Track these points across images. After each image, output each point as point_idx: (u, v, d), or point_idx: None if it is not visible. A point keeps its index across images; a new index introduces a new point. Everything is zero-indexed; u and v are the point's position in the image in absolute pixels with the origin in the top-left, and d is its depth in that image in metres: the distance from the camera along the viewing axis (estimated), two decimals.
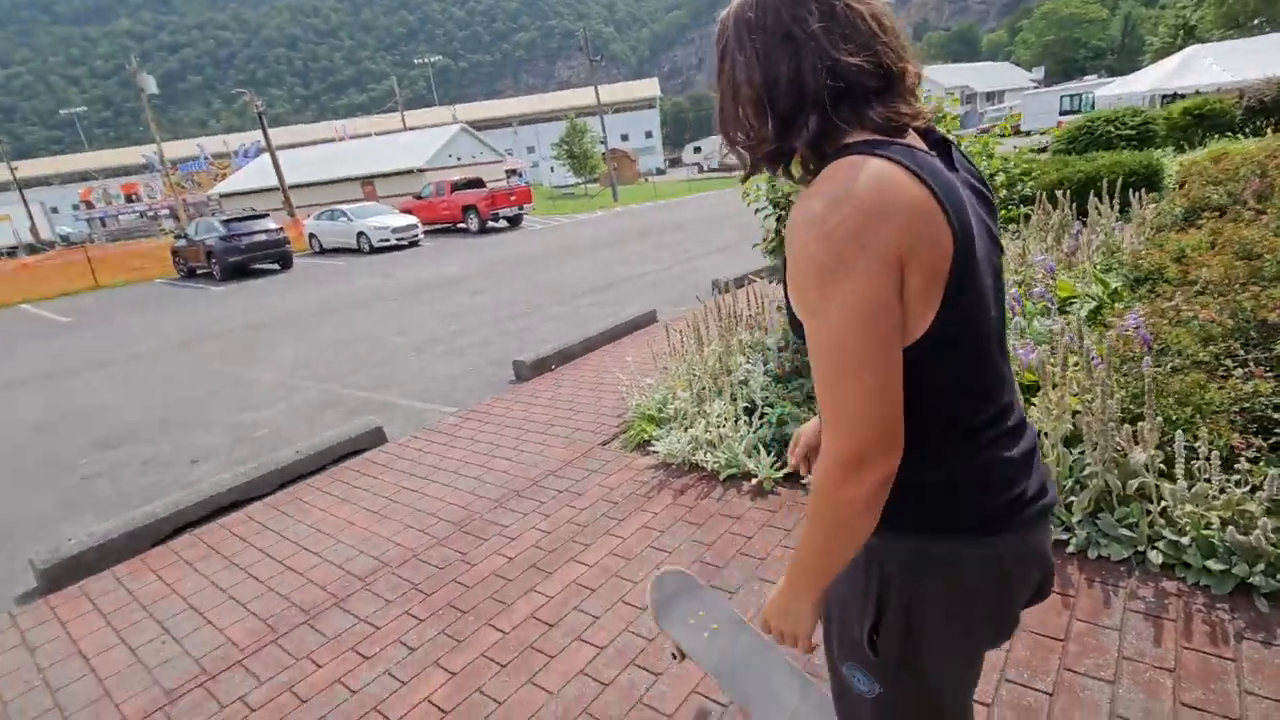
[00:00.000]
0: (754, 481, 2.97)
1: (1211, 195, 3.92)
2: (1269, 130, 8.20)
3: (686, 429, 3.38)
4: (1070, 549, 2.12)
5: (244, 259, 15.93)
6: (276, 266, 16.93)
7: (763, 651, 1.75)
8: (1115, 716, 1.57)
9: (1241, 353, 2.28)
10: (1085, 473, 2.16)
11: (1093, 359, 2.21)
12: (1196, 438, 1.93)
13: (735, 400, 3.28)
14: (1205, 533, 1.92)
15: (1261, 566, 1.82)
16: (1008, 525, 0.93)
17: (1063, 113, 27.36)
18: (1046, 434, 2.21)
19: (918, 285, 0.81)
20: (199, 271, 17.16)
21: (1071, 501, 2.18)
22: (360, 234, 18.05)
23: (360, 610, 2.54)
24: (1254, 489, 1.91)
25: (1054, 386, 2.19)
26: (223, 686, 2.24)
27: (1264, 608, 1.79)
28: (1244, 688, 1.59)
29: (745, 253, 10.24)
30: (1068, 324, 2.49)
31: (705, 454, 3.16)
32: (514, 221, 21.14)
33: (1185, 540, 1.95)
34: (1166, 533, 2.00)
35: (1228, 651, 1.69)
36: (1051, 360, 2.27)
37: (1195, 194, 4.03)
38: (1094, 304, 3.47)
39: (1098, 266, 4.09)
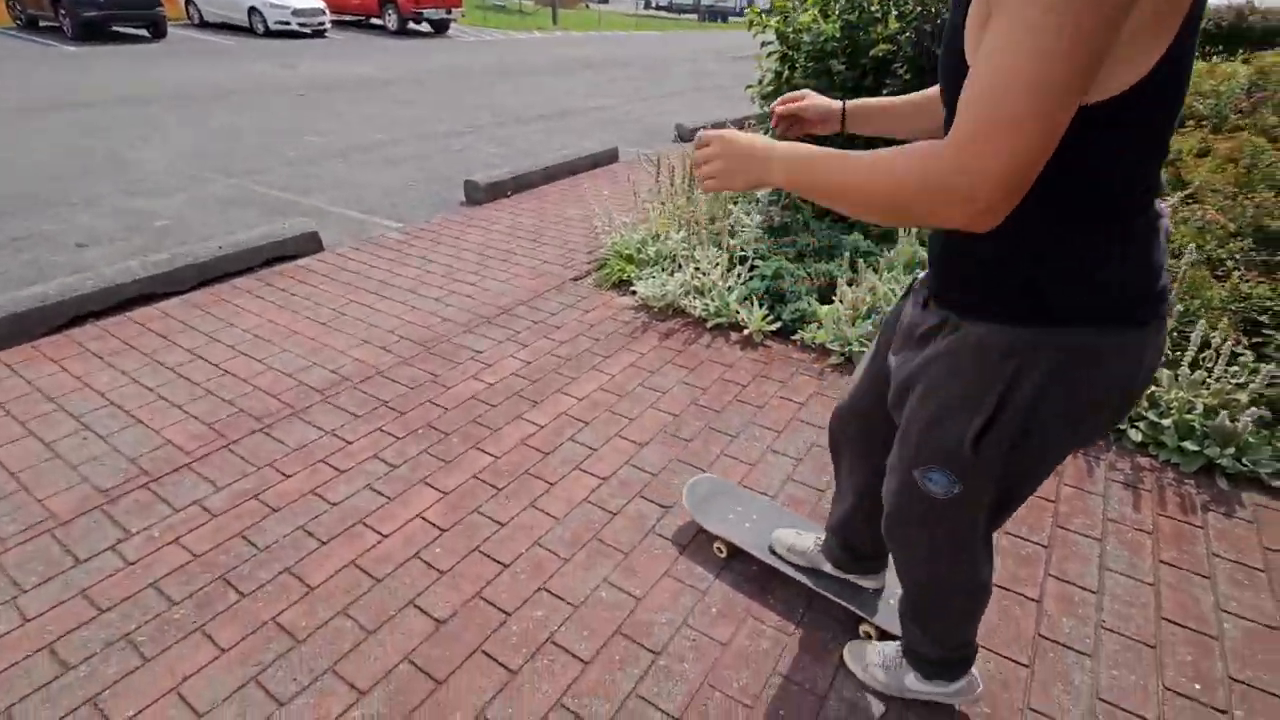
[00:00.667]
0: (744, 333, 2.90)
1: (1198, 105, 3.96)
2: (1239, 55, 8.37)
3: (673, 273, 3.21)
4: None
5: (103, 15, 13.13)
6: (145, 32, 14.18)
7: (804, 524, 1.76)
8: (1104, 568, 1.72)
9: (1240, 255, 2.36)
10: None
11: None
12: (1214, 328, 2.01)
13: (725, 250, 3.12)
14: (1187, 417, 2.06)
15: (1231, 450, 1.98)
16: (1156, 313, 0.87)
17: None
18: None
19: (1149, 11, 0.65)
20: (43, 24, 14.08)
21: None
22: (253, 10, 15.29)
23: (325, 423, 2.32)
24: (1244, 384, 2.04)
25: None
26: (170, 489, 2.00)
27: (1224, 485, 1.98)
28: (1211, 550, 1.77)
29: (703, 102, 9.65)
30: None
31: (693, 300, 3.03)
32: (439, 27, 18.66)
33: (1166, 423, 2.09)
34: (1149, 415, 2.13)
35: (1196, 520, 1.87)
36: None
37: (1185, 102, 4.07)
38: None
39: None
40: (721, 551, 1.76)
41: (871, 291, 2.70)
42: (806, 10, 3.47)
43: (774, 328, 2.85)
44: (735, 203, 3.62)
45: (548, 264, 3.69)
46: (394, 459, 2.15)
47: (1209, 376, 2.05)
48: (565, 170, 5.40)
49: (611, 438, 2.26)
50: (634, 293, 3.29)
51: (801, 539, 1.65)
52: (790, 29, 3.69)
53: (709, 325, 2.97)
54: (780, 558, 1.66)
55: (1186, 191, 2.95)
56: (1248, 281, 2.28)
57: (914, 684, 1.36)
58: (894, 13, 3.25)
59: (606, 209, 3.96)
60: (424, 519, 1.90)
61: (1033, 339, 0.88)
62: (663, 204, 3.67)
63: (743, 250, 3.20)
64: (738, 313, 2.93)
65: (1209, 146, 3.29)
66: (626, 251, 3.52)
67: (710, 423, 2.33)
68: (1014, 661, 1.48)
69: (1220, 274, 2.36)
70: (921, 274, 1.16)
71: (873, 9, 3.31)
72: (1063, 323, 0.87)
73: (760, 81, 4.20)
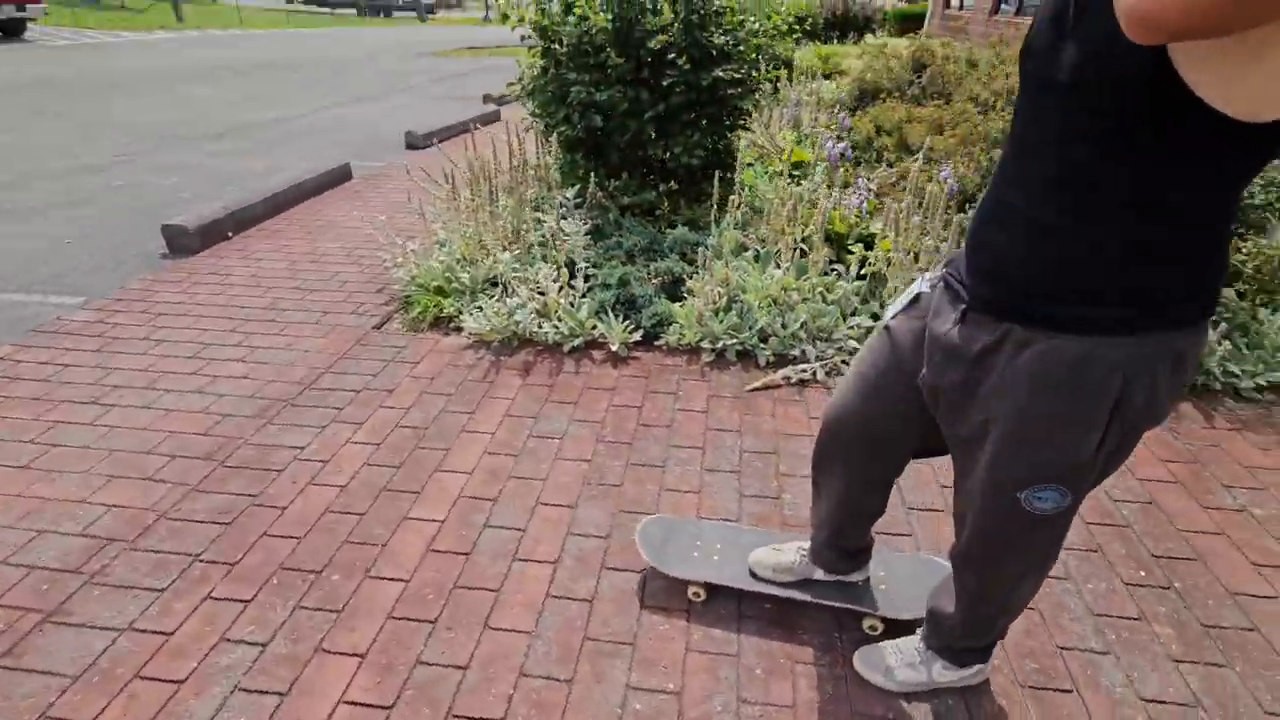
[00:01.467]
0: (606, 349, 2.69)
1: (881, 81, 4.75)
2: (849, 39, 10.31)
3: (503, 298, 2.85)
4: None
5: None
6: None
7: (769, 537, 1.67)
8: None
9: None
10: None
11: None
12: None
13: (557, 265, 2.85)
14: None
15: None
16: (1214, 311, 0.94)
17: None
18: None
19: None
20: None
21: None
22: None
23: (108, 618, 1.56)
24: None
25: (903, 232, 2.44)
26: None
27: None
28: None
29: (404, 104, 8.88)
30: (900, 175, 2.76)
31: (542, 325, 2.72)
32: (10, 29, 14.31)
33: None
34: None
35: None
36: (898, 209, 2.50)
37: (869, 79, 4.86)
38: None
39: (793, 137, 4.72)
40: (699, 596, 1.58)
41: (725, 283, 2.70)
42: (576, 4, 3.29)
43: (636, 337, 2.69)
44: (539, 209, 3.34)
45: (332, 315, 3.02)
46: (257, 635, 1.52)
47: None
48: (293, 197, 4.50)
49: (534, 509, 1.90)
50: (460, 329, 2.85)
51: (783, 554, 1.55)
52: (549, 21, 3.49)
53: (566, 349, 2.70)
54: (768, 581, 1.54)
55: (922, 155, 3.50)
56: None
57: (942, 674, 1.36)
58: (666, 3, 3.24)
59: (389, 236, 3.38)
60: (351, 704, 1.38)
61: (1141, 348, 0.88)
62: (462, 222, 3.24)
63: (574, 260, 2.96)
64: (594, 328, 2.71)
65: (911, 115, 3.94)
66: (433, 283, 3.04)
67: (629, 459, 2.10)
68: None
69: None
70: (926, 287, 1.12)
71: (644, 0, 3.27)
72: (1174, 327, 0.88)
73: (520, 79, 3.94)
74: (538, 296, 2.78)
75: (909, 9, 16.13)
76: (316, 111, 8.21)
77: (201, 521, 1.85)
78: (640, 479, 2.01)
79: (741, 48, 3.48)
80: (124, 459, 2.09)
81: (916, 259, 2.51)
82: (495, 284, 3.04)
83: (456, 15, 33.17)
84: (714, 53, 3.40)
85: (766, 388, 2.44)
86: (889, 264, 2.64)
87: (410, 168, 4.19)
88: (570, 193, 3.30)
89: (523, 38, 3.66)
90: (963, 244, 1.07)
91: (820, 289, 2.69)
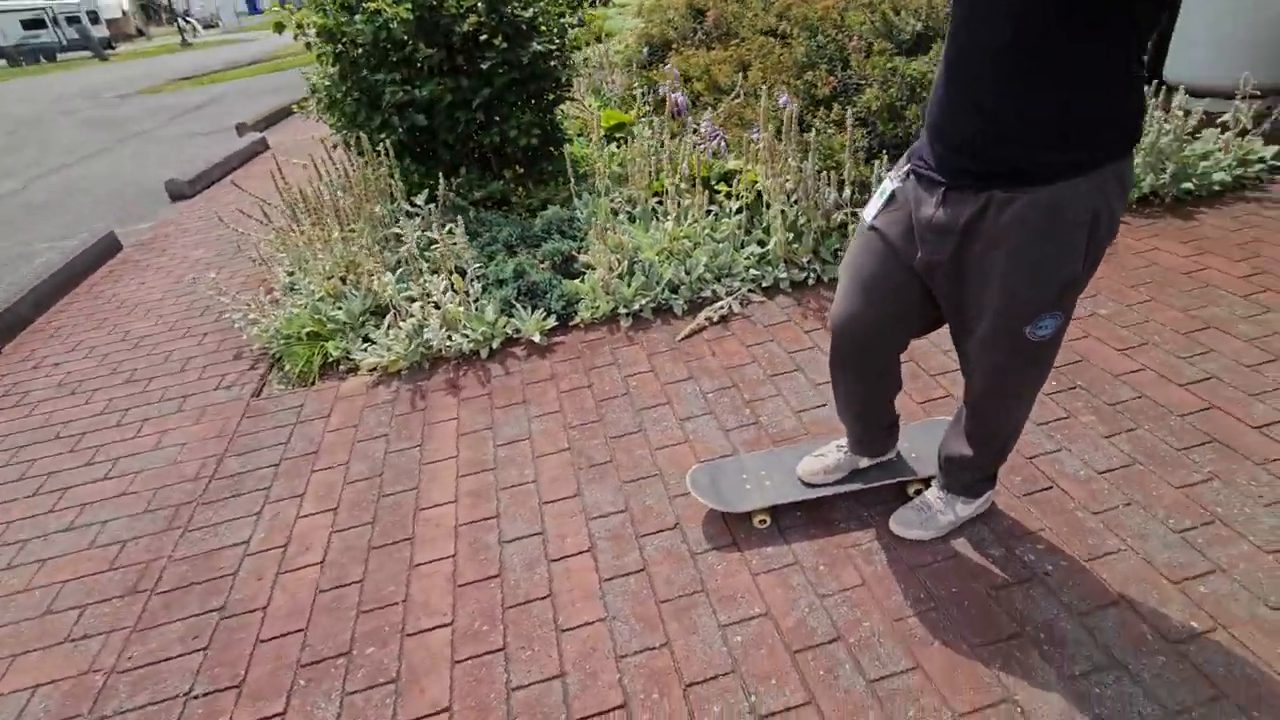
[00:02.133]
0: (525, 342, 2.62)
1: (668, 33, 4.98)
2: None
3: (399, 322, 2.64)
4: (811, 285, 2.74)
5: None
6: None
7: (804, 449, 1.80)
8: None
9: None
10: (803, 222, 2.74)
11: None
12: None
13: (449, 271, 2.69)
14: None
15: None
16: (1139, 140, 1.18)
17: None
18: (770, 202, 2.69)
19: None
20: None
21: (797, 247, 2.76)
22: None
23: None
24: None
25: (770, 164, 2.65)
26: None
27: None
28: None
29: (141, 152, 7.60)
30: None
31: (451, 337, 2.57)
32: None
33: None
34: None
35: None
36: (776, 143, 2.70)
37: (655, 34, 5.06)
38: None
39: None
40: (765, 522, 1.69)
41: (620, 248, 2.73)
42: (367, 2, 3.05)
43: (551, 323, 2.65)
44: (395, 223, 3.11)
45: (195, 397, 2.61)
46: None
47: None
48: (61, 283, 3.73)
49: (540, 510, 1.85)
50: (356, 369, 2.61)
51: (826, 457, 1.70)
52: (333, 21, 3.21)
53: (484, 355, 2.58)
54: (822, 485, 1.69)
55: (745, 89, 3.75)
56: (828, 133, 3.09)
57: (964, 509, 1.59)
58: None
59: (220, 291, 2.96)
60: None
61: (1096, 181, 1.08)
62: (315, 256, 2.92)
63: (463, 265, 2.80)
64: (505, 326, 2.62)
65: (712, 60, 4.20)
66: (304, 329, 2.73)
67: (607, 434, 2.10)
68: None
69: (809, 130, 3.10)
70: (897, 184, 1.26)
71: None
72: (1115, 159, 1.09)
73: (313, 92, 3.59)
74: (433, 310, 2.62)
75: None
76: (36, 180, 6.77)
77: (170, 659, 1.56)
78: (628, 447, 2.03)
79: (545, 18, 3.46)
80: (24, 630, 1.68)
81: (787, 181, 2.73)
82: (374, 312, 2.80)
83: (144, 45, 28.22)
84: (524, 26, 3.35)
85: (694, 333, 2.55)
86: (758, 194, 2.85)
87: (187, 222, 3.66)
88: (420, 199, 3.11)
89: (308, 44, 3.32)
90: (921, 136, 1.22)
91: (707, 230, 2.83)
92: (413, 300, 2.65)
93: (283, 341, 2.74)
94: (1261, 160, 3.04)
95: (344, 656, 1.51)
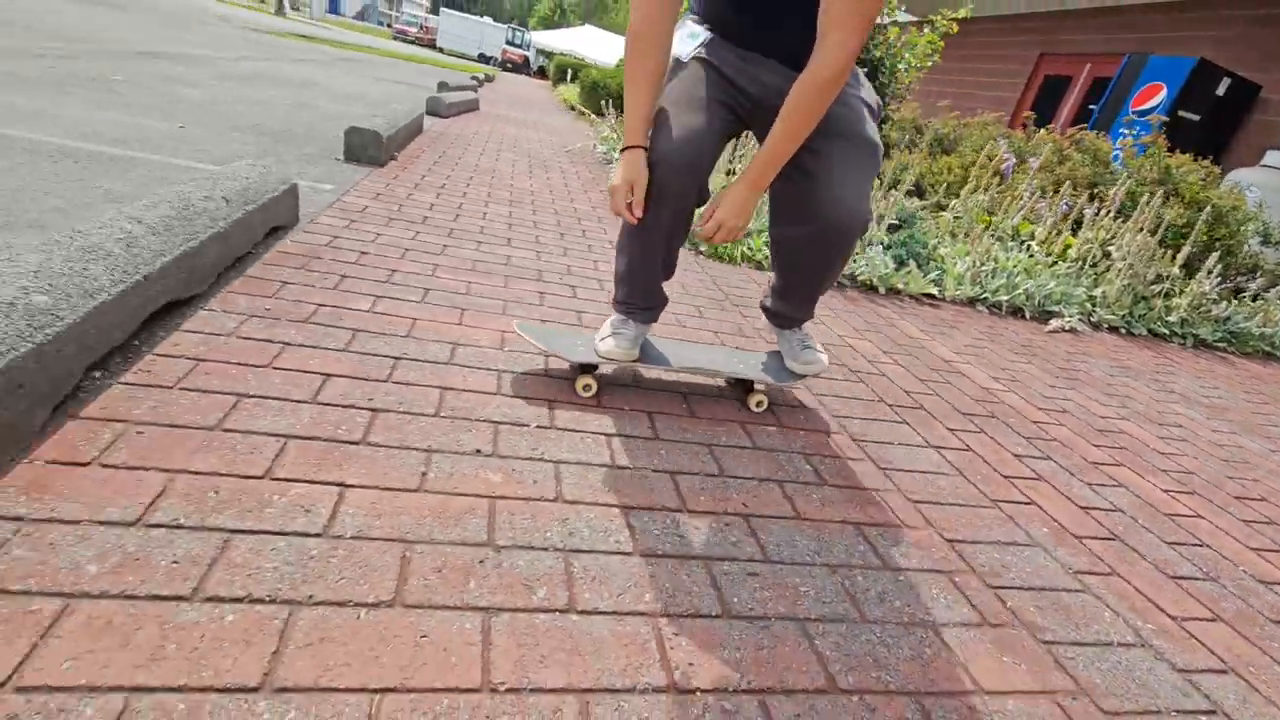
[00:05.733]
0: (904, 295, 3.08)
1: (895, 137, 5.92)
2: None
3: None
4: (1123, 333, 3.34)
5: None
6: None
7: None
8: None
9: None
10: (1124, 285, 3.38)
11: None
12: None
13: None
14: None
15: None
16: None
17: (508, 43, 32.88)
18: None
19: None
20: None
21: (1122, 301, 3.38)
22: None
23: None
24: None
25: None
26: None
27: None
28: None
29: (349, 71, 7.87)
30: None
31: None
32: None
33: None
34: None
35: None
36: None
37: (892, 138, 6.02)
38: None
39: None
40: (589, 389, 1.47)
41: (987, 254, 3.28)
42: None
43: (932, 289, 3.13)
44: None
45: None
46: None
47: None
48: (414, 127, 3.99)
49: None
50: None
51: (622, 334, 1.49)
52: None
53: (881, 292, 3.02)
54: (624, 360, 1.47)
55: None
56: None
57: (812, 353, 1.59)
58: None
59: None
60: None
61: None
62: None
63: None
64: (893, 276, 3.08)
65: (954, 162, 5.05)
66: None
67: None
68: None
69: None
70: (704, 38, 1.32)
71: None
72: None
73: None
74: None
75: None
76: (310, 88, 6.98)
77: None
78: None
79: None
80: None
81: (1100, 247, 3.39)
82: None
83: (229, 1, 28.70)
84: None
85: (1055, 331, 3.08)
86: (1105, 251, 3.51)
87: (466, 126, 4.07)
88: None
89: None
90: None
91: (1041, 266, 3.44)
92: None
93: None
94: None
95: None
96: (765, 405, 1.58)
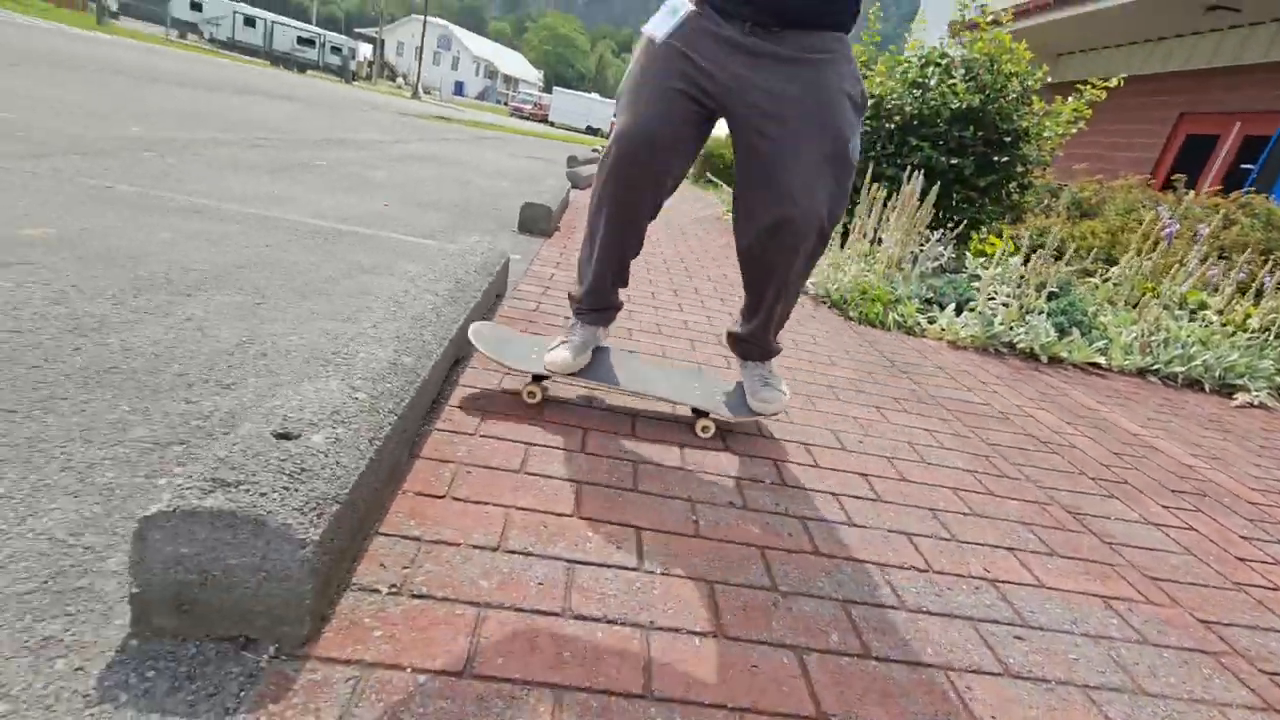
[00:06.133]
0: (1066, 363, 2.99)
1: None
2: None
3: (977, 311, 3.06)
4: None
5: None
6: None
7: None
8: None
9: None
10: None
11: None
12: None
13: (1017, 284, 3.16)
14: None
15: None
16: None
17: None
18: None
19: None
20: None
21: None
22: None
23: None
24: None
25: None
26: None
27: None
28: None
29: (489, 148, 8.69)
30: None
31: (1013, 328, 2.97)
32: None
33: None
34: None
35: None
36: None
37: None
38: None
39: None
40: (534, 396, 1.49)
41: (1156, 322, 3.15)
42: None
43: (1099, 359, 3.03)
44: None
45: None
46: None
47: None
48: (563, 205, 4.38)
49: None
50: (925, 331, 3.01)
51: (570, 343, 1.50)
52: (885, 89, 3.99)
53: (1043, 360, 2.96)
54: (572, 374, 1.48)
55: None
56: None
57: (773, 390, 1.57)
58: None
59: None
60: None
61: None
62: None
63: (1040, 280, 3.27)
64: (1055, 345, 3.01)
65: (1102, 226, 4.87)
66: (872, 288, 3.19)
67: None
68: None
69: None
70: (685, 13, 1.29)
71: None
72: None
73: None
74: (1001, 308, 3.05)
75: None
76: (405, 144, 7.88)
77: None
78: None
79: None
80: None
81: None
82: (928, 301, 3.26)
83: (371, 87, 32.65)
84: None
85: (1244, 406, 2.88)
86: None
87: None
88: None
89: None
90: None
91: (1219, 336, 3.25)
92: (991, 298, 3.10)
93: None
94: None
95: None
96: (712, 431, 1.52)
